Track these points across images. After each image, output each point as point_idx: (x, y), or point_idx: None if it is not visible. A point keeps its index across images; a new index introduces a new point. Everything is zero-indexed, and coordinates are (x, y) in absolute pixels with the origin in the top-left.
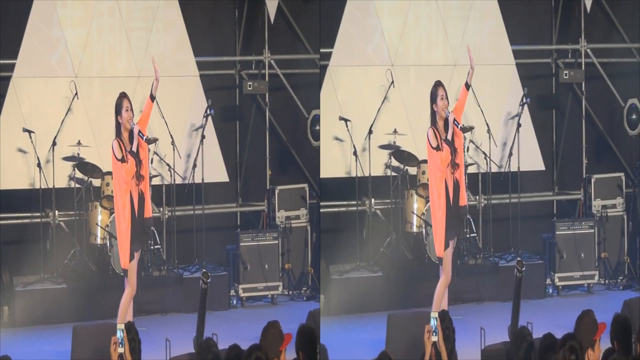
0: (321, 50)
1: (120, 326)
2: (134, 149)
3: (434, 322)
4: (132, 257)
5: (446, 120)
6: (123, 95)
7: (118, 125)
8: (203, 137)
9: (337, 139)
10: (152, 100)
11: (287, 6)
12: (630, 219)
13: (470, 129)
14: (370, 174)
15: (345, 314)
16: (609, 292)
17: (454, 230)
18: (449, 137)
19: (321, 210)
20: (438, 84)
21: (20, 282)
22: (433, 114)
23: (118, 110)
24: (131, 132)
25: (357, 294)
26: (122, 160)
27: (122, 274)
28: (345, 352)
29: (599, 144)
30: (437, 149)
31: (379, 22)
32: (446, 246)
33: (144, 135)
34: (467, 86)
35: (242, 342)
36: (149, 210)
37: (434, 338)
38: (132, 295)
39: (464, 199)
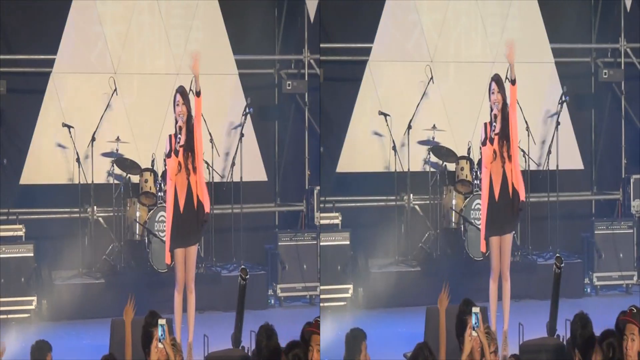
0: (361, 45)
1: (162, 322)
2: (177, 145)
3: (474, 318)
4: (172, 255)
5: (495, 116)
6: (177, 90)
7: (175, 119)
8: (242, 135)
9: (376, 133)
10: (198, 96)
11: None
12: None
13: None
14: (409, 169)
15: (383, 308)
16: None
17: (495, 227)
18: (495, 132)
19: (360, 204)
20: (493, 78)
21: (59, 277)
22: (490, 108)
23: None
24: (181, 128)
25: (395, 287)
26: (168, 155)
27: (160, 270)
28: (383, 345)
29: (638, 144)
30: (483, 143)
31: (419, 18)
32: (487, 243)
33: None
34: (512, 82)
35: (280, 342)
36: (206, 206)
37: (474, 334)
38: (178, 292)
39: (520, 193)
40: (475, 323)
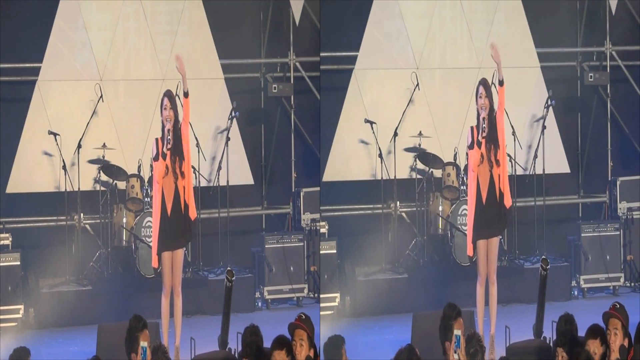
0: (346, 53)
1: (144, 344)
2: (165, 149)
3: (456, 340)
4: (159, 258)
5: (483, 119)
6: (165, 94)
7: (162, 123)
8: (228, 139)
9: (362, 141)
10: (186, 97)
11: (312, 8)
12: None
13: None
14: (395, 176)
15: (370, 315)
16: (635, 295)
17: (482, 231)
18: (482, 136)
19: (347, 213)
20: (480, 82)
21: (46, 284)
22: (477, 112)
23: (160, 108)
24: (169, 131)
25: (382, 295)
26: (155, 158)
27: (147, 276)
28: (370, 352)
29: (624, 147)
30: (470, 147)
31: (404, 25)
32: (474, 247)
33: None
34: (500, 83)
35: (268, 344)
36: (193, 212)
37: (456, 356)
38: (165, 296)
39: (507, 200)
40: (457, 344)
